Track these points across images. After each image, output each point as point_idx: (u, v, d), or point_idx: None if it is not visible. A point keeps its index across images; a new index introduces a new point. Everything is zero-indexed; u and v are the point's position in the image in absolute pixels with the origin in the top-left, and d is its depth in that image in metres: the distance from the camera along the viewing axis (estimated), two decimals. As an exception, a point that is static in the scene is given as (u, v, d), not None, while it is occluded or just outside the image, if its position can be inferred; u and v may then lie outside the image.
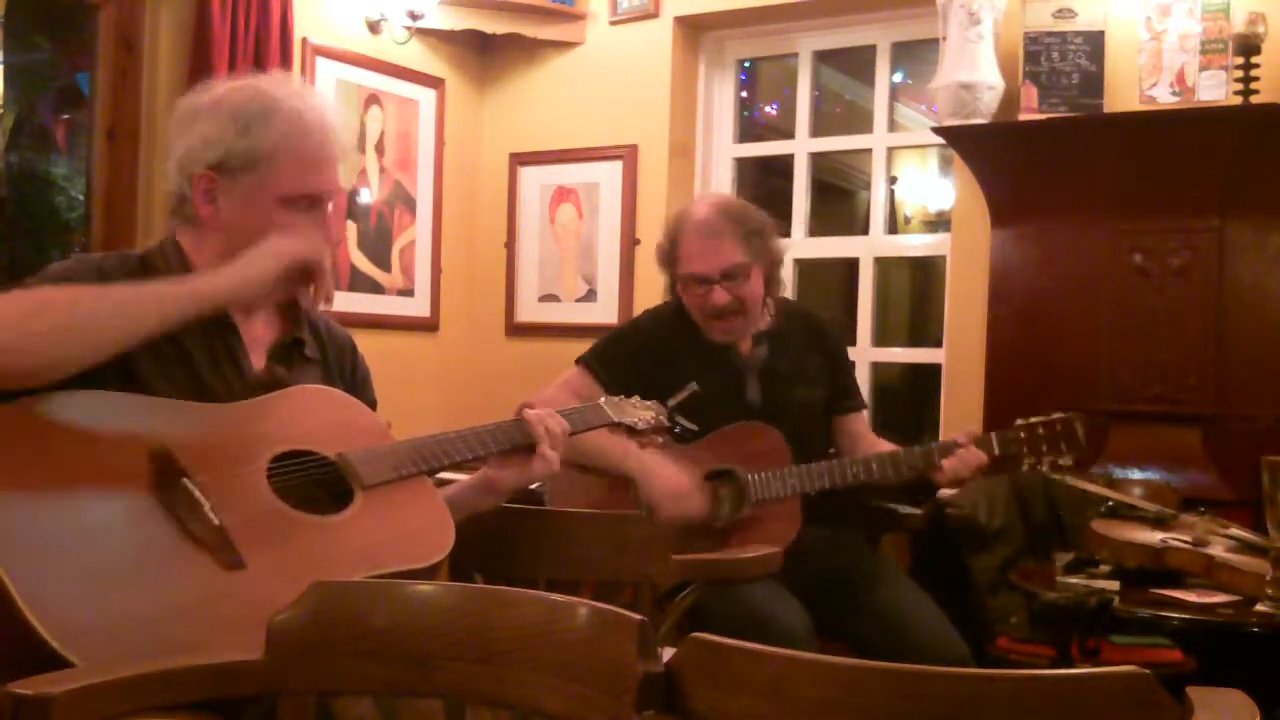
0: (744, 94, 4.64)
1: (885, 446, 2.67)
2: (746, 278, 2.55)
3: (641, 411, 2.18)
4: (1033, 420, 2.49)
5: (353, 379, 1.88)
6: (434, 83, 4.45)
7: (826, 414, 2.71)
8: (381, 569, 1.53)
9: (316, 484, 1.62)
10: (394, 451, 1.70)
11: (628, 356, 2.62)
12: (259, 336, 1.76)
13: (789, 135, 4.40)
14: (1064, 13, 3.55)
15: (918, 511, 3.27)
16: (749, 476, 2.47)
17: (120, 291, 1.53)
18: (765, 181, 4.68)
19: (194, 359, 1.65)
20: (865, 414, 2.84)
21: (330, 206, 1.74)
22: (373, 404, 1.87)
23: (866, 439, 2.72)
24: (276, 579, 1.43)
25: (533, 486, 3.30)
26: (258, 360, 1.73)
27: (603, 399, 2.16)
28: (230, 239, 1.69)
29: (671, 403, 2.26)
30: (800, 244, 4.29)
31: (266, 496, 1.52)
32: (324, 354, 1.84)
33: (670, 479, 2.42)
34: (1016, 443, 2.50)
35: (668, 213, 4.26)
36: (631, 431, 2.16)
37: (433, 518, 1.68)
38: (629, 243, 4.35)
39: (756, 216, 2.61)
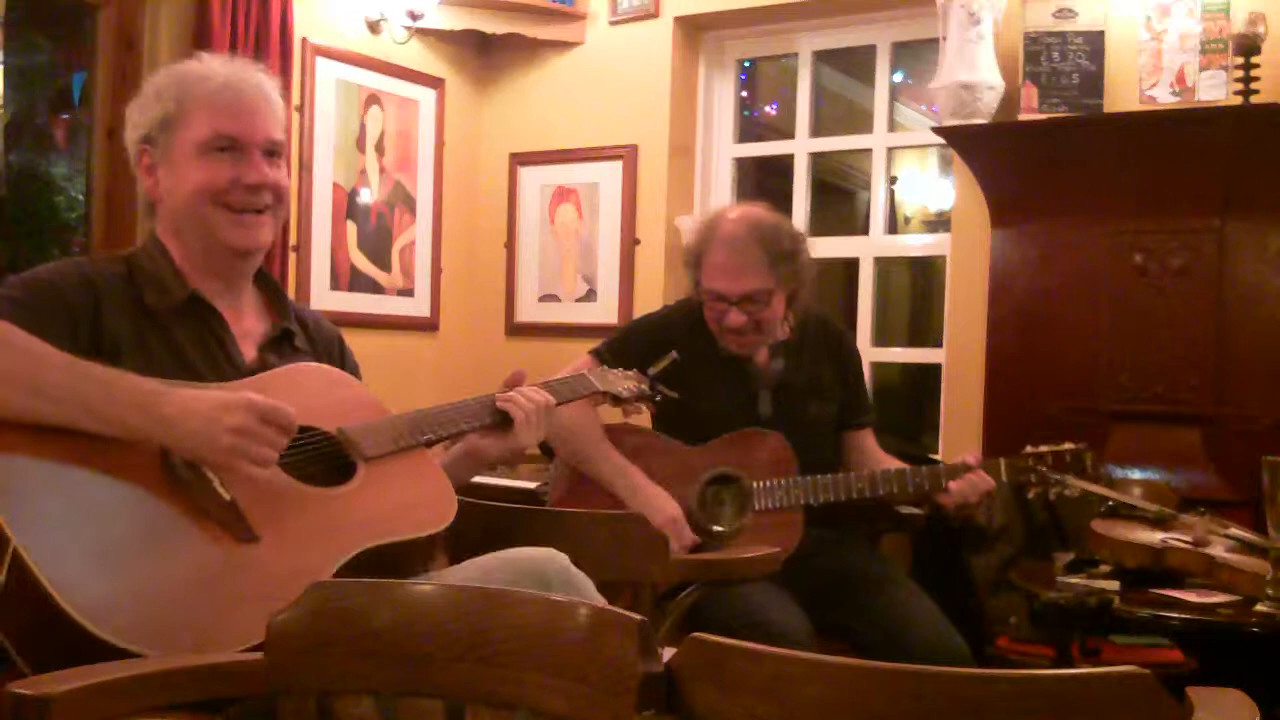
0: (744, 94, 4.64)
1: (892, 463, 2.67)
2: (767, 304, 2.52)
3: (625, 382, 2.21)
4: (1042, 449, 2.50)
5: (342, 371, 1.90)
6: (434, 83, 4.44)
7: (836, 428, 2.70)
8: (390, 537, 1.56)
9: (318, 459, 1.63)
10: (392, 425, 1.73)
11: (641, 354, 2.60)
12: (249, 329, 1.78)
13: (789, 135, 4.40)
14: (1064, 13, 3.55)
15: (918, 511, 3.27)
16: (754, 484, 2.47)
17: (49, 373, 1.43)
18: (765, 181, 4.68)
19: (186, 352, 1.67)
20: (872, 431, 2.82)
21: (259, 152, 1.72)
22: None
23: (873, 455, 2.71)
24: (290, 550, 1.46)
25: (532, 486, 3.31)
26: (249, 352, 1.75)
27: (588, 369, 2.19)
28: (170, 205, 1.73)
29: (652, 372, 2.27)
30: (800, 244, 4.28)
31: (272, 471, 1.53)
32: (313, 346, 1.87)
33: (660, 509, 2.40)
34: (1025, 471, 2.49)
35: (668, 213, 4.29)
36: (616, 400, 2.18)
37: (435, 487, 1.72)
38: (629, 243, 4.35)
39: (788, 238, 2.56)
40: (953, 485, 2.45)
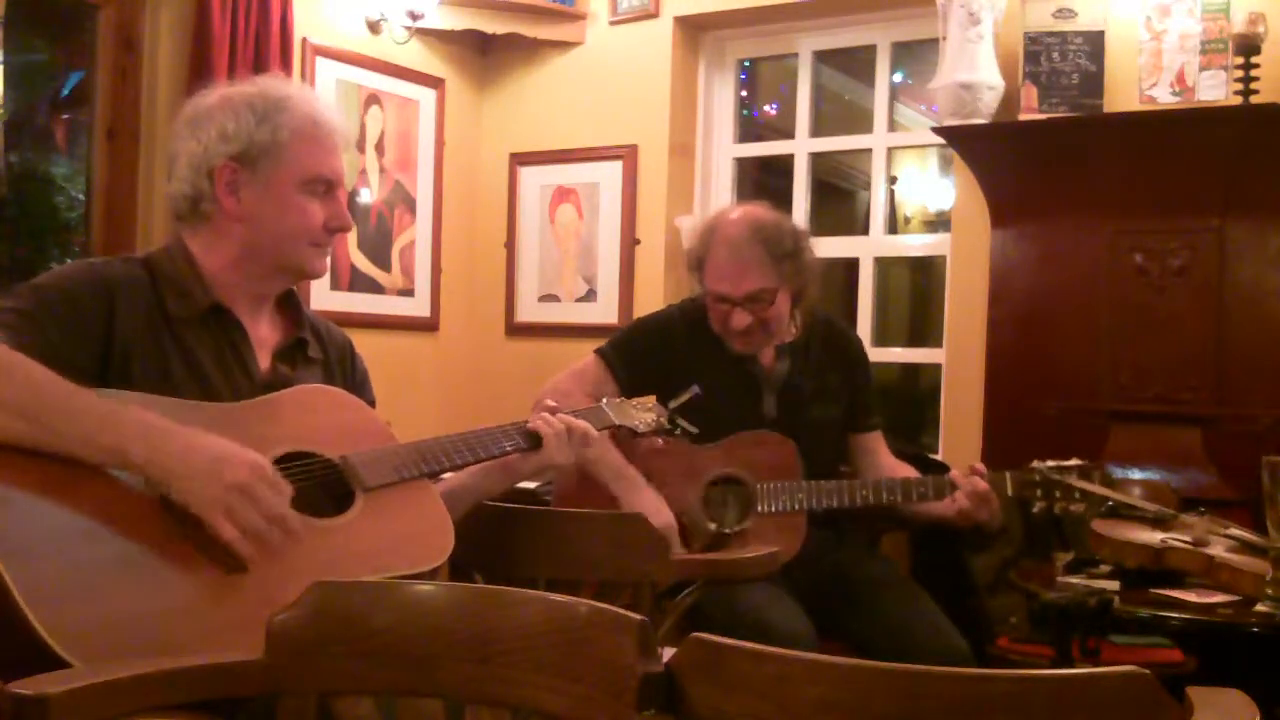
0: (744, 94, 4.64)
1: (901, 467, 2.65)
2: (771, 302, 2.51)
3: (643, 414, 2.19)
4: (1049, 464, 2.46)
5: (352, 379, 1.90)
6: (434, 83, 4.44)
7: (843, 431, 2.69)
8: (382, 573, 1.53)
9: (319, 485, 1.62)
10: (396, 453, 1.71)
11: (646, 354, 2.60)
12: (264, 338, 1.78)
13: (789, 135, 4.40)
14: (1064, 13, 3.55)
15: (918, 512, 3.27)
16: (758, 486, 2.46)
17: (46, 397, 1.43)
18: (765, 181, 4.68)
19: (199, 358, 1.66)
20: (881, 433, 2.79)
21: (341, 192, 1.81)
22: (371, 404, 1.88)
23: (881, 458, 2.70)
24: (277, 582, 1.43)
25: (533, 486, 3.31)
26: (263, 361, 1.75)
27: (604, 400, 2.17)
28: (252, 228, 1.73)
29: (672, 405, 2.26)
30: (800, 244, 4.28)
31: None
32: (325, 355, 1.86)
33: (653, 516, 2.39)
34: (1031, 485, 2.46)
35: (668, 213, 4.29)
36: (633, 434, 2.17)
37: (433, 521, 1.69)
38: (629, 243, 4.35)
39: (790, 236, 2.54)
40: (957, 497, 2.43)
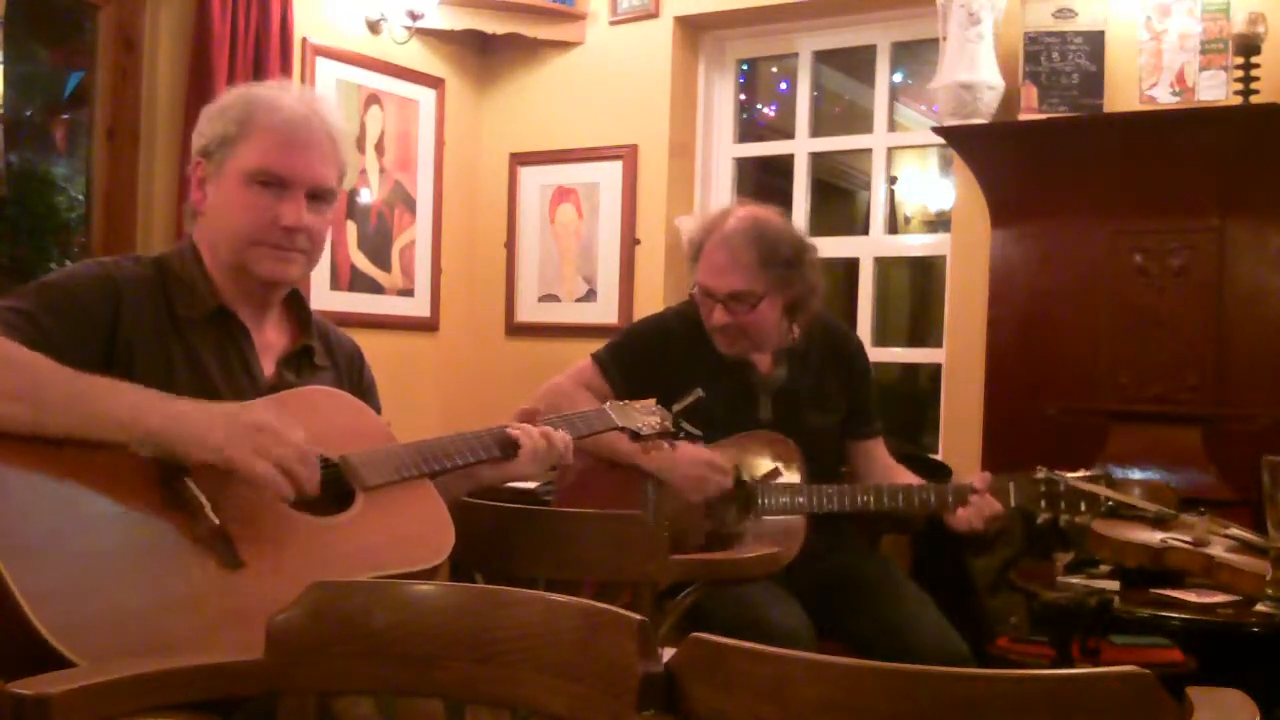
0: (744, 94, 4.64)
1: (901, 472, 2.64)
2: (753, 306, 2.48)
3: (646, 417, 2.19)
4: (1056, 475, 2.40)
5: (359, 386, 1.89)
6: (434, 83, 4.45)
7: (841, 437, 2.68)
8: (381, 571, 1.53)
9: (319, 484, 1.62)
10: (396, 453, 1.71)
11: (641, 358, 2.59)
12: (270, 343, 1.77)
13: (789, 135, 4.40)
14: (1064, 13, 3.55)
15: (918, 512, 3.26)
16: (758, 486, 2.46)
17: (53, 381, 1.43)
18: (765, 181, 4.68)
19: (204, 362, 1.66)
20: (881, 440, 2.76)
21: (304, 193, 1.70)
22: (377, 410, 1.87)
23: (882, 463, 2.68)
24: (273, 579, 1.43)
25: (533, 486, 3.32)
26: (268, 366, 1.74)
27: (608, 403, 2.17)
28: (210, 222, 1.73)
29: (676, 408, 2.26)
30: (800, 244, 4.27)
31: (268, 497, 1.52)
32: (333, 361, 1.85)
33: (693, 458, 2.40)
34: (1035, 496, 2.41)
35: (668, 213, 4.29)
36: (636, 436, 2.17)
37: (433, 520, 1.69)
38: (629, 243, 4.35)
39: (789, 245, 2.49)
40: (960, 511, 2.38)
